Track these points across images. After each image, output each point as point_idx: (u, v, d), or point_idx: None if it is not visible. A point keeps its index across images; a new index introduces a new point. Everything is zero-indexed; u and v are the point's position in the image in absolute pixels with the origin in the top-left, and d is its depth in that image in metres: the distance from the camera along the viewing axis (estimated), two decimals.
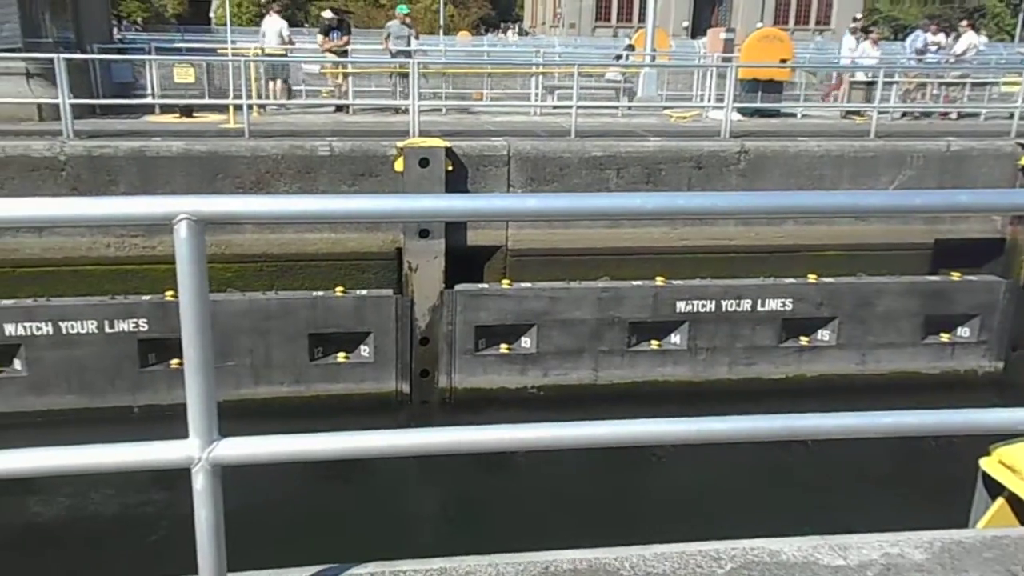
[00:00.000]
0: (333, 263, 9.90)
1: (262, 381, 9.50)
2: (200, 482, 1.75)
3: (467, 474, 8.05)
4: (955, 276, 10.96)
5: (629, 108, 14.98)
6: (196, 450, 1.75)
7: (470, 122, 12.95)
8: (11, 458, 1.76)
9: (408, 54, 13.70)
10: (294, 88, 15.80)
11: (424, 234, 9.63)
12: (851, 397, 10.24)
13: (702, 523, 6.72)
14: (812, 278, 10.62)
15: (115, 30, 19.35)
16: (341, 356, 9.72)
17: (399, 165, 9.59)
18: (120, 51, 15.24)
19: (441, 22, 41.77)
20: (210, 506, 1.77)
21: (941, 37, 17.00)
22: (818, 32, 57.93)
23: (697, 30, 46.94)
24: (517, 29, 33.76)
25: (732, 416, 1.98)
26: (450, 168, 9.69)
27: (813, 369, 10.76)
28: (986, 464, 3.13)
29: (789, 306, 10.46)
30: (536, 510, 7.61)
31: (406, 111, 11.23)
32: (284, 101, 13.76)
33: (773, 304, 10.43)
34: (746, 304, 10.35)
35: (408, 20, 14.84)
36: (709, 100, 14.99)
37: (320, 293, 9.60)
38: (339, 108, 13.63)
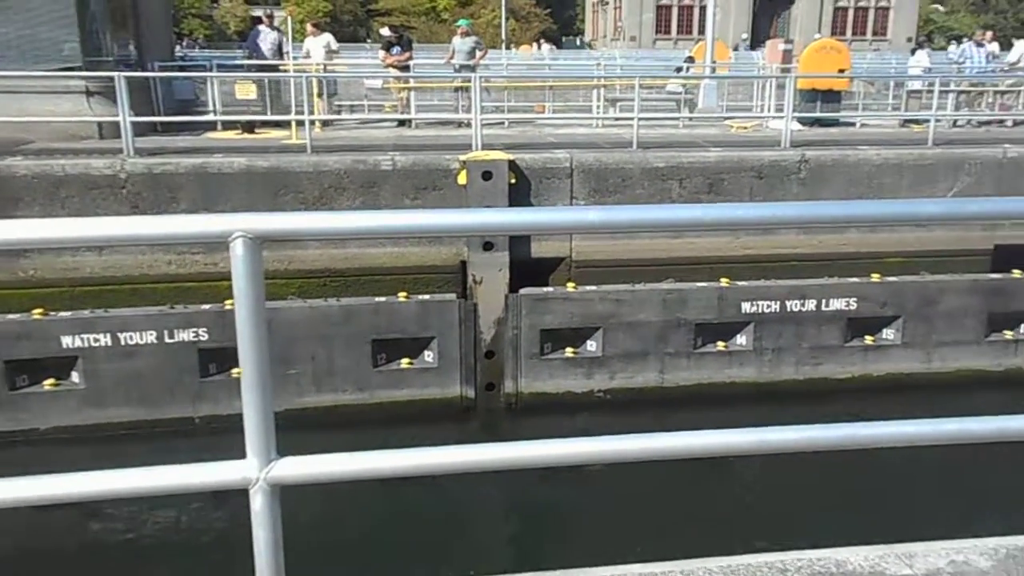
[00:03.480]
0: (397, 277, 10.00)
1: (325, 388, 9.53)
2: (259, 503, 1.69)
3: (531, 484, 8.01)
4: (1017, 274, 10.91)
5: (690, 119, 15.05)
6: (254, 470, 1.69)
7: (532, 135, 13.16)
8: (65, 482, 1.71)
9: (471, 68, 14.00)
10: (356, 103, 16.23)
11: (488, 246, 9.85)
12: (917, 396, 10.13)
13: (767, 533, 6.71)
14: (876, 277, 10.59)
15: (177, 47, 19.78)
16: (405, 362, 9.75)
17: (462, 178, 9.84)
18: (181, 68, 15.25)
19: (503, 36, 42.31)
20: (269, 527, 1.71)
21: (995, 46, 16.77)
22: (876, 43, 56.84)
23: (756, 42, 46.52)
24: (542, 44, 33.74)
25: (794, 426, 1.91)
26: (513, 181, 9.90)
27: (879, 368, 10.68)
28: None
29: (854, 305, 10.40)
30: (603, 521, 7.62)
31: (468, 125, 11.48)
32: (331, 116, 13.85)
33: (837, 304, 10.38)
34: (811, 304, 10.31)
35: (470, 32, 15.13)
36: (769, 110, 14.97)
37: (383, 298, 9.63)
38: (402, 123, 13.97)
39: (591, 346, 10.09)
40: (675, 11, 59.05)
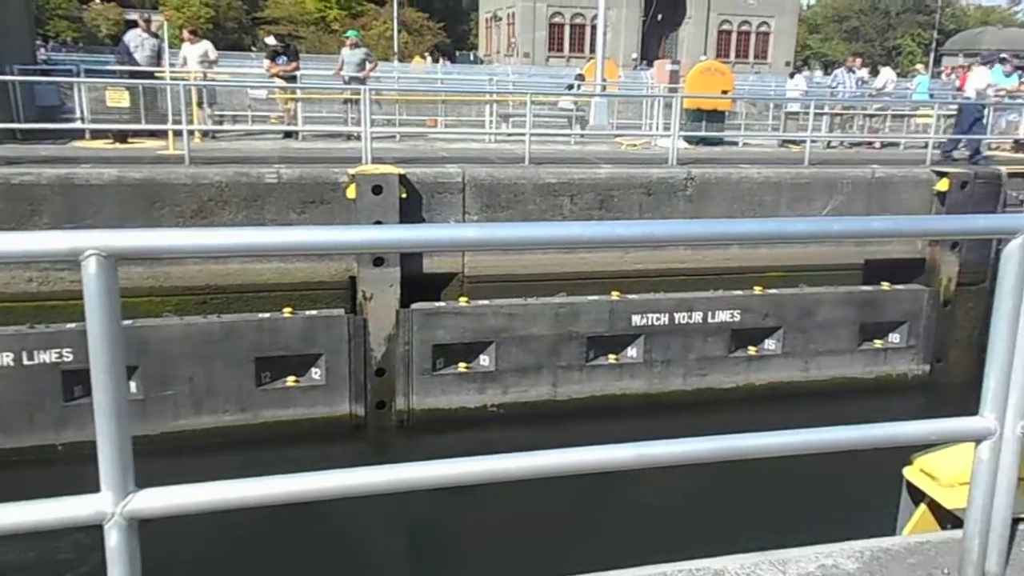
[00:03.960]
0: (283, 293, 9.67)
1: (204, 410, 9.14)
2: (113, 539, 1.59)
3: (417, 503, 7.77)
4: (886, 286, 11.64)
5: (581, 136, 15.27)
6: (108, 504, 1.58)
7: (424, 149, 13.03)
8: None
9: (361, 80, 13.73)
10: (239, 114, 15.62)
11: (379, 262, 9.63)
12: (796, 403, 10.59)
13: (648, 546, 6.78)
14: (758, 290, 11.05)
15: (41, 50, 18.50)
16: (291, 380, 9.47)
17: (351, 192, 9.59)
18: (44, 72, 14.32)
19: (395, 48, 41.93)
20: (125, 565, 1.60)
21: (864, 72, 17.93)
22: (757, 66, 59.80)
23: (645, 62, 48.02)
24: (432, 56, 33.64)
25: (671, 439, 1.99)
26: (404, 195, 9.73)
27: (761, 377, 11.12)
28: (909, 473, 3.31)
29: (737, 317, 10.81)
30: (487, 539, 7.58)
31: (358, 138, 11.23)
32: (212, 127, 13.33)
33: (723, 316, 10.76)
34: (697, 316, 10.65)
35: (360, 43, 14.88)
36: (657, 129, 15.37)
37: (266, 315, 9.32)
38: (288, 134, 13.56)
39: (484, 361, 10.05)
40: (567, 29, 60.32)
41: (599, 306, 10.31)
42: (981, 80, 13.83)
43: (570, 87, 18.56)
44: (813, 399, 10.77)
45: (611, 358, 10.51)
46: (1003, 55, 17.00)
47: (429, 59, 37.09)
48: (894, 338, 11.72)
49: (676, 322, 10.57)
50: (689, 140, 14.24)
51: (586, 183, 10.76)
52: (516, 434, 9.48)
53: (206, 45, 14.34)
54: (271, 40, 14.72)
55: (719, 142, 15.19)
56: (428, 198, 10.10)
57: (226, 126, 14.00)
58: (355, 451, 9.36)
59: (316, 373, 9.56)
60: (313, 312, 9.57)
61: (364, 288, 9.72)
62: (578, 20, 59.36)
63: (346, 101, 13.86)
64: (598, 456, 1.95)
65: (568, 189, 10.67)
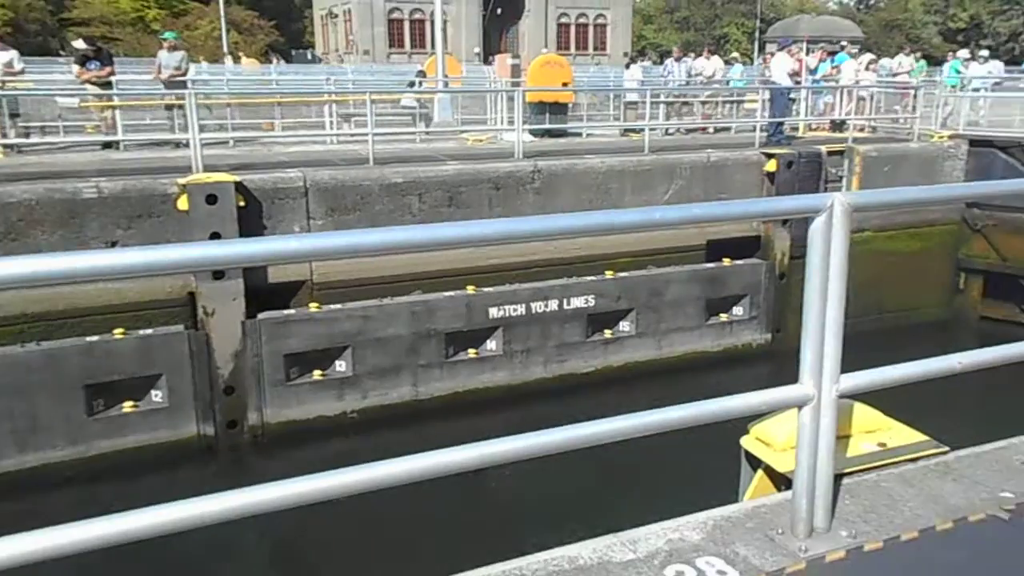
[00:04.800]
0: (113, 316, 8.95)
1: (28, 448, 8.40)
2: None
3: (272, 522, 7.54)
4: (727, 262, 12.31)
5: (427, 133, 15.06)
6: None
7: (261, 154, 12.41)
8: None
9: (183, 84, 12.85)
10: (48, 125, 14.35)
11: (219, 275, 9.07)
12: (652, 381, 10.98)
13: (505, 541, 6.79)
14: (610, 274, 11.36)
15: None
16: (128, 405, 8.86)
17: (183, 203, 8.98)
18: None
19: (225, 49, 39.84)
20: None
21: (700, 62, 18.81)
22: (597, 57, 61.66)
23: (488, 56, 48.30)
24: (233, 56, 32.04)
25: (511, 436, 2.00)
26: (242, 203, 9.23)
27: (618, 359, 11.45)
28: (746, 442, 3.45)
29: (592, 302, 11.07)
30: (346, 550, 7.41)
31: (187, 145, 10.52)
32: (18, 140, 12.22)
33: (578, 302, 10.98)
34: (553, 304, 10.80)
35: (178, 45, 13.97)
36: (502, 123, 15.39)
37: (95, 338, 8.65)
38: (108, 145, 12.51)
39: (340, 366, 9.80)
40: (407, 25, 59.78)
41: (455, 302, 10.24)
42: (784, 65, 14.71)
43: (412, 84, 18.31)
44: (668, 375, 11.22)
45: (471, 353, 10.49)
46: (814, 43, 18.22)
47: (277, 60, 35.46)
48: (738, 311, 12.39)
49: (533, 311, 10.68)
50: (534, 133, 14.35)
51: (434, 181, 10.60)
52: (379, 439, 9.30)
53: (12, 54, 13.12)
54: (80, 44, 13.53)
55: (563, 134, 15.41)
56: (268, 205, 9.62)
57: (34, 139, 12.75)
58: (206, 474, 8.90)
59: (157, 395, 8.99)
60: (149, 331, 8.95)
61: (204, 303, 9.13)
62: (418, 16, 58.96)
63: (169, 107, 12.94)
64: (436, 461, 1.92)
65: (416, 188, 10.47)
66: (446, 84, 17.04)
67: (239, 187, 9.24)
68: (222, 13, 40.47)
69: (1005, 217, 13.75)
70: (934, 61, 21.65)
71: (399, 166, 10.75)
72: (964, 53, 21.29)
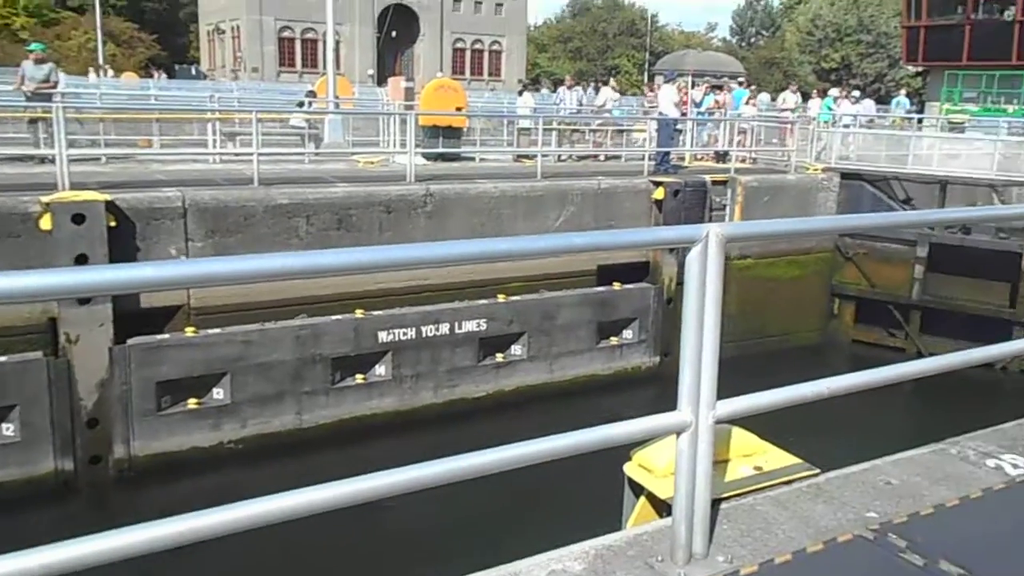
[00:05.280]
0: None
1: None
2: None
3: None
4: (617, 286, 12.56)
5: (316, 154, 14.71)
6: None
7: (137, 172, 11.78)
8: None
9: (49, 97, 12.05)
10: None
11: (84, 300, 8.47)
12: (543, 405, 11.00)
13: None
14: (502, 297, 11.36)
15: None
16: None
17: (46, 223, 8.40)
18: None
19: (101, 61, 37.85)
20: None
21: (579, 91, 19.34)
22: (492, 83, 62.42)
23: (382, 78, 48.03)
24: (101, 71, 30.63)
25: (396, 468, 1.95)
26: (113, 224, 8.72)
27: (510, 383, 11.44)
28: (628, 468, 3.46)
29: (484, 326, 11.03)
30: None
31: (53, 161, 9.85)
32: None
33: (469, 325, 10.91)
34: (445, 327, 10.70)
35: (46, 58, 13.13)
36: (394, 146, 15.23)
37: None
38: None
39: (218, 394, 9.38)
40: (299, 44, 58.82)
41: (343, 325, 10.00)
42: (670, 97, 15.28)
43: (301, 104, 17.92)
44: (559, 399, 11.31)
45: (359, 378, 10.26)
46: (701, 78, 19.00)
47: (158, 75, 33.88)
48: (627, 334, 12.63)
49: (424, 335, 10.54)
50: (427, 157, 14.26)
51: (322, 203, 10.34)
52: (259, 470, 8.93)
53: None
54: None
55: (456, 158, 15.39)
56: (143, 226, 9.13)
57: None
58: (64, 514, 8.27)
59: (8, 428, 8.34)
60: (2, 358, 8.29)
61: (67, 329, 8.55)
62: (310, 35, 58.13)
63: (33, 120, 12.11)
64: (312, 497, 1.84)
65: (303, 210, 10.18)
66: (337, 105, 16.75)
67: (110, 206, 8.74)
68: (98, 24, 38.46)
69: (875, 246, 14.65)
70: (807, 98, 23.23)
71: (286, 187, 10.45)
72: (835, 91, 22.71)
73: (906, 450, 3.40)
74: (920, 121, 24.29)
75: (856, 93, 23.23)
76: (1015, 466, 3.24)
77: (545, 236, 2.17)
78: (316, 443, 9.59)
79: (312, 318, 9.92)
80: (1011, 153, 15.58)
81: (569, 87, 19.24)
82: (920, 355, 12.93)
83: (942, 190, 15.91)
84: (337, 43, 17.01)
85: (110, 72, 30.73)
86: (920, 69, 40.05)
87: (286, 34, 58.38)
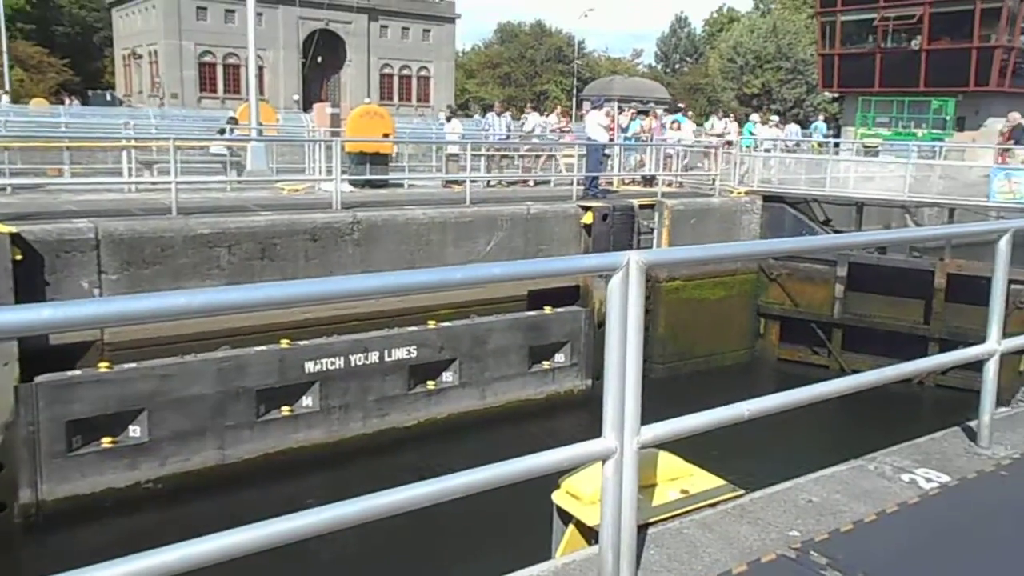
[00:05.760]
0: None
1: None
2: None
3: None
4: (548, 310, 12.60)
5: (239, 182, 14.38)
6: None
7: (45, 202, 11.28)
8: None
9: None
10: None
11: None
12: (475, 432, 10.87)
13: None
14: (432, 324, 11.22)
15: None
16: None
17: None
18: None
19: (7, 87, 36.34)
20: None
21: (506, 117, 19.49)
22: (421, 108, 62.43)
23: (308, 104, 47.50)
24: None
25: (315, 508, 1.90)
26: (19, 257, 8.32)
27: (441, 411, 11.28)
28: (557, 497, 3.43)
29: (414, 353, 10.88)
30: None
31: None
32: None
33: (399, 353, 10.76)
34: (374, 356, 10.51)
35: None
36: (320, 173, 15.02)
37: None
38: None
39: (134, 431, 9.01)
40: (220, 69, 57.76)
41: (268, 356, 9.75)
42: (598, 121, 15.51)
43: (222, 131, 17.53)
44: (492, 425, 11.22)
45: (285, 410, 10.00)
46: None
47: (70, 101, 32.66)
48: (559, 358, 12.64)
49: (352, 364, 10.35)
50: (354, 184, 14.09)
51: (244, 232, 10.09)
52: (179, 510, 8.59)
53: None
54: None
55: (384, 185, 15.25)
56: (52, 259, 8.72)
57: None
58: None
59: None
60: None
61: None
62: (232, 60, 57.19)
63: None
64: (233, 540, 1.77)
65: (225, 239, 9.91)
66: (260, 132, 16.45)
67: (16, 239, 8.35)
68: (4, 48, 36.95)
69: (797, 267, 15.08)
70: (742, 124, 24.10)
71: (206, 216, 10.16)
72: (756, 117, 23.48)
73: (827, 467, 3.45)
74: (837, 145, 25.30)
75: (775, 118, 24.04)
76: (928, 480, 3.32)
77: (464, 266, 2.15)
78: (241, 479, 9.28)
79: (235, 349, 9.62)
80: (921, 175, 16.33)
81: (498, 113, 19.37)
82: (843, 372, 13.31)
83: (859, 211, 16.58)
84: (260, 69, 16.74)
85: (4, 99, 29.43)
86: (837, 95, 41.82)
87: (207, 59, 57.28)
